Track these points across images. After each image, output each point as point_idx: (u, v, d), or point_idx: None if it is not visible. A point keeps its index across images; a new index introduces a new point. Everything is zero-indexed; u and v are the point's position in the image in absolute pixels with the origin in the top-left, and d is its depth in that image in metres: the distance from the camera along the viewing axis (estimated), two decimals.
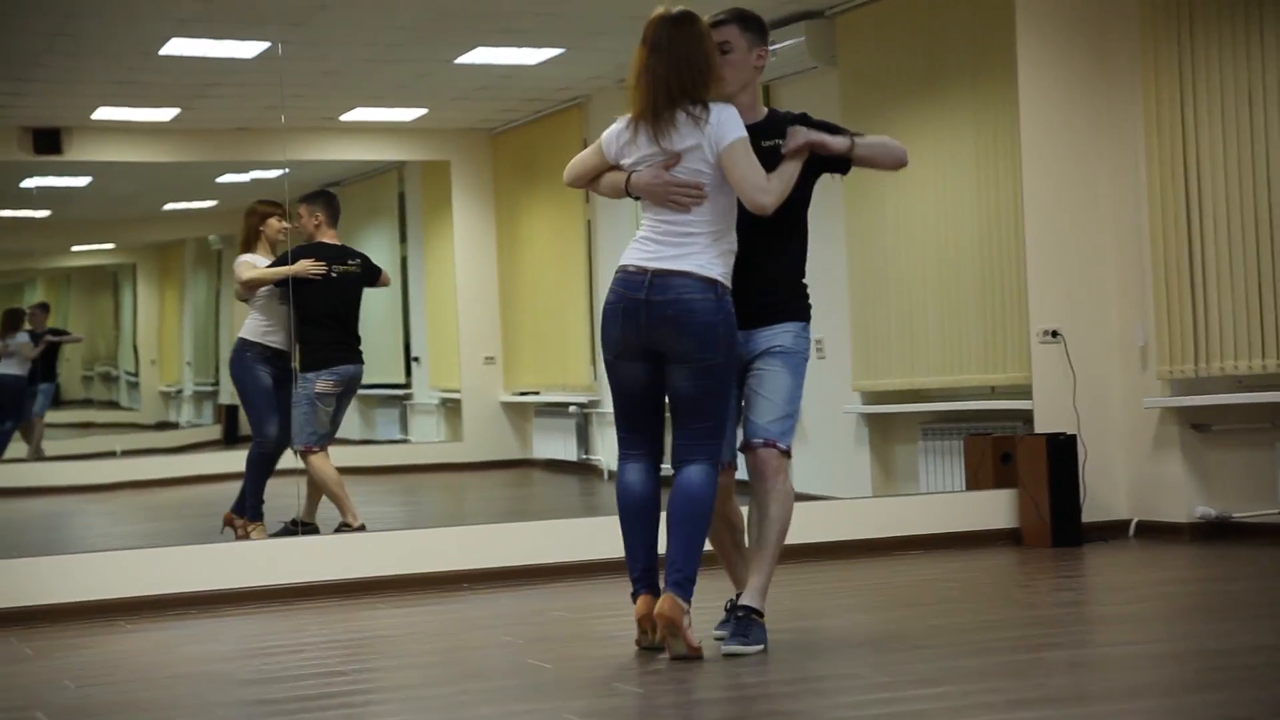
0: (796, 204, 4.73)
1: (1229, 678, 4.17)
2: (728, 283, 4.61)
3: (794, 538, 5.33)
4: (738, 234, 4.66)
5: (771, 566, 4.72)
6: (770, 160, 4.64)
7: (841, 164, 4.79)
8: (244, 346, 7.34)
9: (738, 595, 4.80)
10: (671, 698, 4.16)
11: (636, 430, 4.73)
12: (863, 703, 4.03)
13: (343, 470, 7.35)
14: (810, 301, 4.86)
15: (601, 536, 6.95)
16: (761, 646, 4.66)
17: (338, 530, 7.12)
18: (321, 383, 7.29)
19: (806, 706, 4.02)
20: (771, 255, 4.74)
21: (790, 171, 4.65)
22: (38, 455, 9.73)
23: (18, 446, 9.62)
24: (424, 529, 7.09)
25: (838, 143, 4.70)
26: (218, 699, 4.39)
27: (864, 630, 5.06)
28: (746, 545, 4.82)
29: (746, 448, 4.71)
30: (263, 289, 7.31)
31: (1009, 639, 4.85)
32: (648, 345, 4.60)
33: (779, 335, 4.74)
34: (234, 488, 7.39)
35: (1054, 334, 7.66)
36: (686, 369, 4.59)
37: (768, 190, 4.56)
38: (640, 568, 4.67)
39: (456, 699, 4.25)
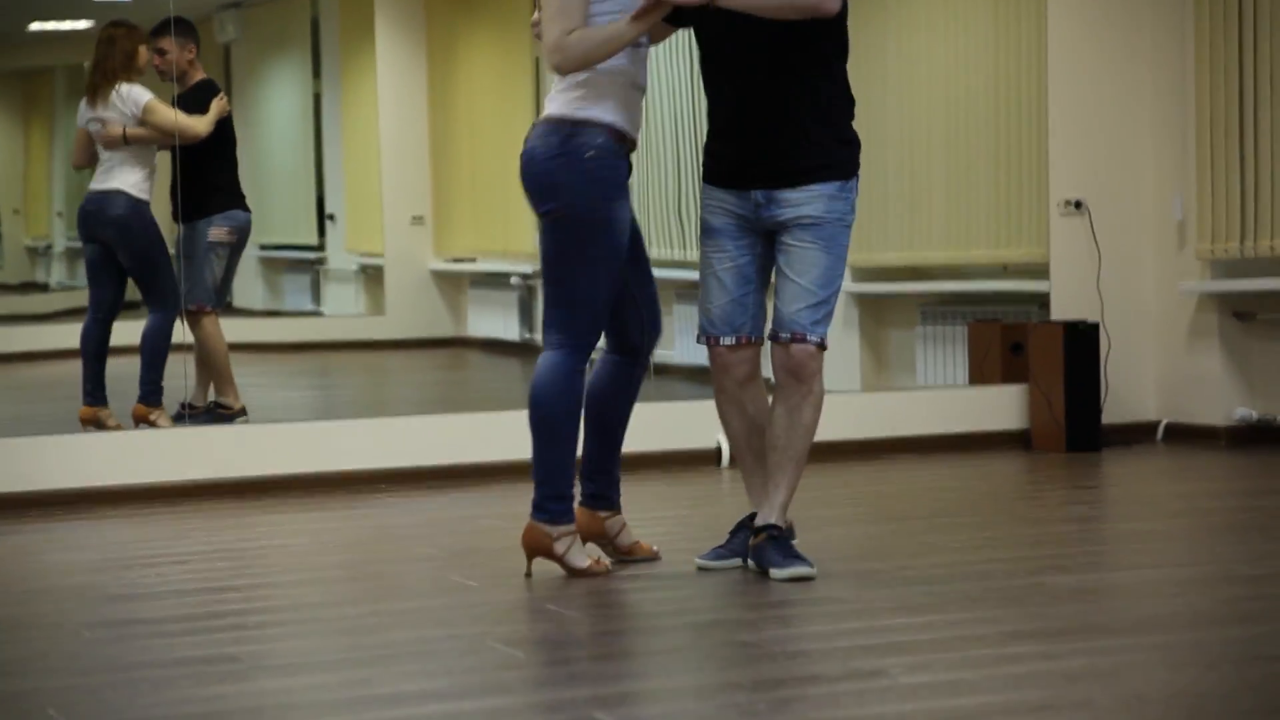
0: (808, 36, 4.61)
1: (1261, 608, 4.24)
2: (603, 118, 4.55)
3: None
4: (732, 72, 4.64)
5: (795, 480, 4.70)
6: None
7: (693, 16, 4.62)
8: (136, 204, 7.33)
9: (753, 514, 4.79)
10: (611, 623, 4.21)
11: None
12: (832, 634, 4.08)
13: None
14: (854, 150, 4.71)
15: None
16: (810, 568, 4.61)
17: (211, 411, 7.16)
18: (215, 230, 7.39)
19: (766, 637, 4.07)
20: (785, 98, 4.60)
21: (616, 31, 4.50)
22: None
23: None
24: (336, 420, 7.11)
25: None
26: (84, 618, 4.42)
27: (843, 547, 5.11)
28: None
29: (774, 339, 4.68)
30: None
31: (1009, 560, 4.92)
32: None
33: (806, 201, 4.63)
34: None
35: (1077, 205, 7.67)
36: (542, 227, 4.64)
37: (558, 48, 4.49)
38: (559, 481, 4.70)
39: (365, 621, 4.29)
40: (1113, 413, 7.56)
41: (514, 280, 10.29)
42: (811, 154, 4.64)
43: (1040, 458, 7.23)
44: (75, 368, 9.14)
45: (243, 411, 7.19)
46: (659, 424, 7.09)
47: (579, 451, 4.70)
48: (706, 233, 4.76)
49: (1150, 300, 7.73)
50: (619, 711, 3.31)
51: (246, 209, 7.58)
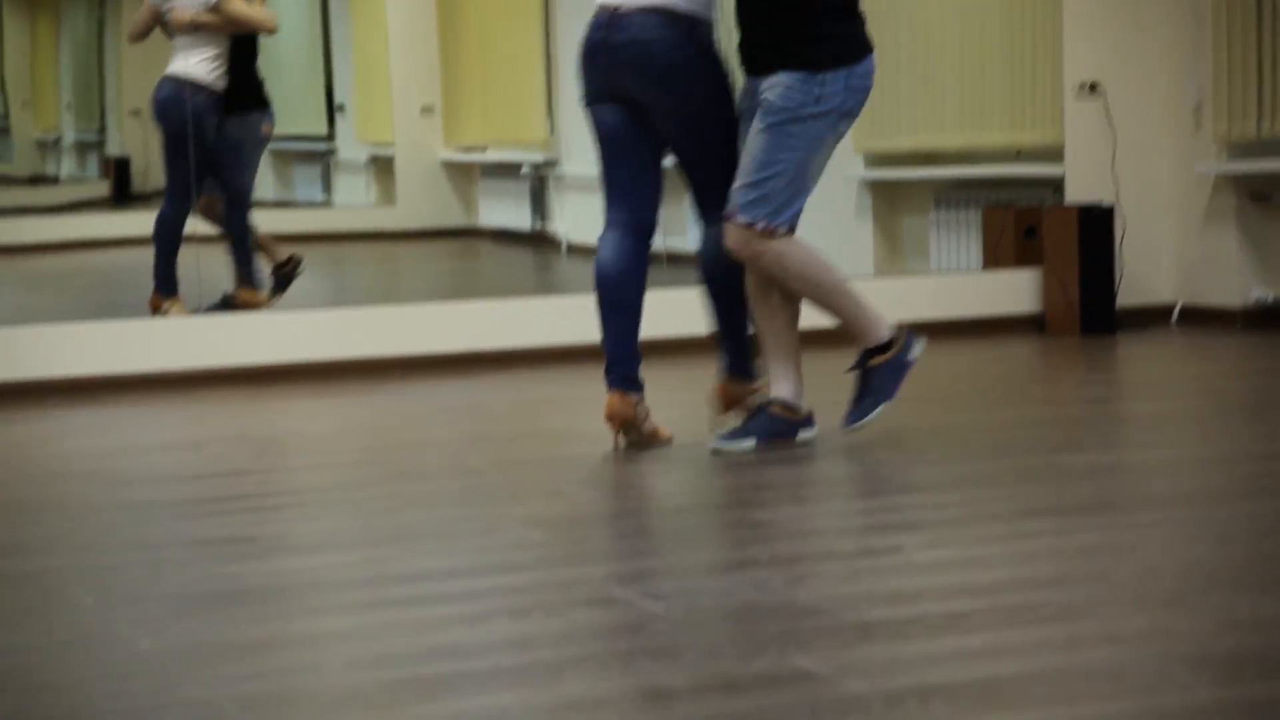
0: None
1: (1274, 484, 4.26)
2: (709, 13, 4.76)
3: None
4: None
5: (848, 310, 4.79)
6: None
7: None
8: (208, 92, 7.41)
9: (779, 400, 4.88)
10: (627, 504, 4.24)
11: (614, 192, 4.85)
12: (847, 512, 4.12)
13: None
14: (834, 42, 4.70)
15: (557, 318, 7.01)
16: (750, 443, 4.77)
17: (277, 274, 7.41)
18: (265, 125, 7.64)
19: (781, 516, 4.10)
20: None
21: None
22: None
23: None
24: (349, 307, 7.13)
25: None
26: (104, 500, 4.46)
27: (859, 429, 5.13)
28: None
29: None
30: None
31: (1024, 440, 4.94)
32: (617, 91, 4.77)
33: (769, 88, 4.73)
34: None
35: (1092, 87, 7.64)
36: (670, 122, 4.79)
37: None
38: (610, 358, 4.81)
39: (382, 503, 4.33)
40: (1127, 296, 7.56)
41: (525, 170, 10.27)
42: (781, 44, 4.71)
43: (1055, 341, 7.24)
44: (87, 259, 9.17)
45: (297, 263, 7.46)
46: (673, 310, 7.11)
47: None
48: (739, 117, 4.89)
49: (1166, 182, 7.71)
50: (635, 588, 3.35)
51: None
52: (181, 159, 7.47)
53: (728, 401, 5.04)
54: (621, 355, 4.83)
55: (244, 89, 7.57)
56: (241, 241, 7.47)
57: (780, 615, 3.16)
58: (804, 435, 4.86)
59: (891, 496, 4.27)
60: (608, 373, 4.83)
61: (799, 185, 4.70)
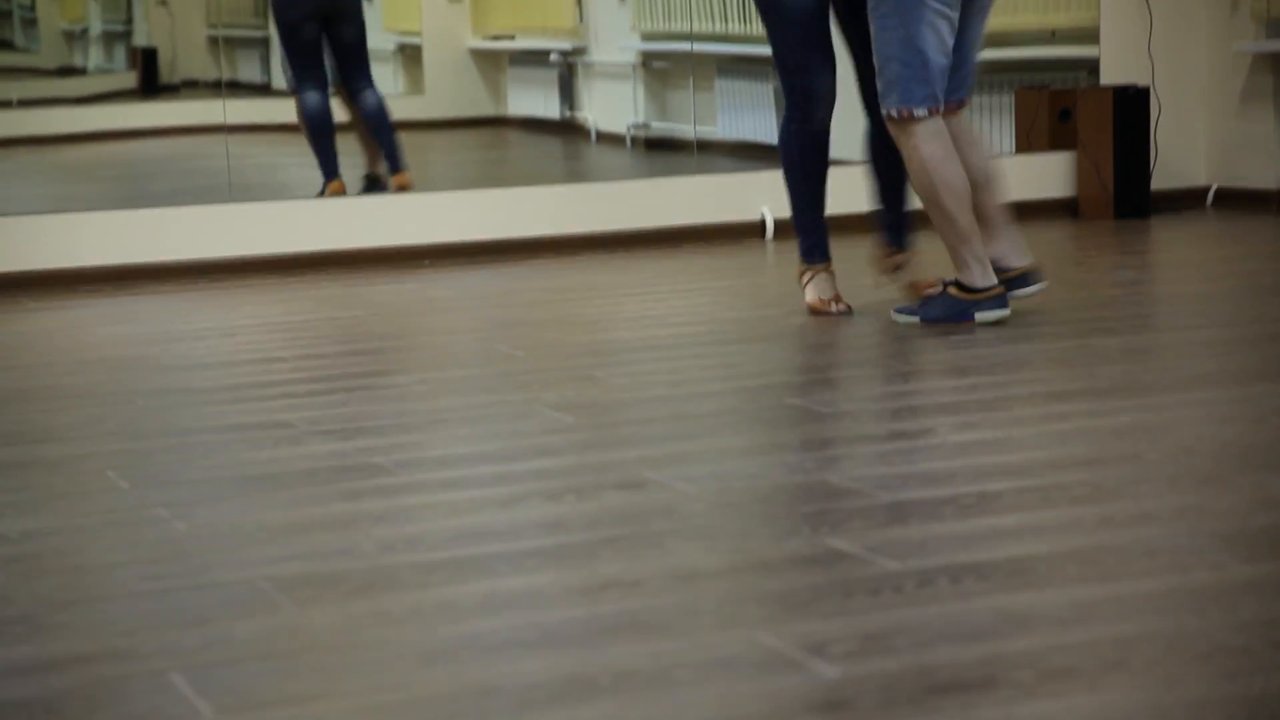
0: None
1: None
2: None
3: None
4: None
5: (948, 237, 4.83)
6: None
7: None
8: None
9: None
10: (658, 389, 4.25)
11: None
12: (879, 396, 4.12)
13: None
14: None
15: (586, 207, 6.99)
16: (913, 319, 4.90)
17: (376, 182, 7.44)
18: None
19: (813, 400, 4.10)
20: None
21: None
22: None
23: None
24: (378, 195, 7.12)
25: None
26: (138, 387, 4.48)
27: (889, 312, 5.12)
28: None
29: None
30: None
31: (1056, 323, 4.92)
32: None
33: None
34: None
35: None
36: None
37: None
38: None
39: (414, 389, 4.34)
40: (1162, 179, 7.50)
41: (553, 57, 10.21)
42: None
43: (1088, 225, 7.20)
44: (116, 149, 9.17)
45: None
46: (705, 197, 7.09)
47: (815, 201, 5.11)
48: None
49: (1202, 63, 7.62)
50: (667, 471, 3.36)
51: None
52: (360, 47, 7.52)
53: (885, 268, 5.20)
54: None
55: None
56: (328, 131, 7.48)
57: (812, 497, 3.17)
58: (984, 315, 4.85)
59: (924, 380, 4.27)
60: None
61: (916, 63, 4.72)
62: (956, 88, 4.89)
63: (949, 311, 4.85)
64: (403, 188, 7.32)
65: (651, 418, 3.96)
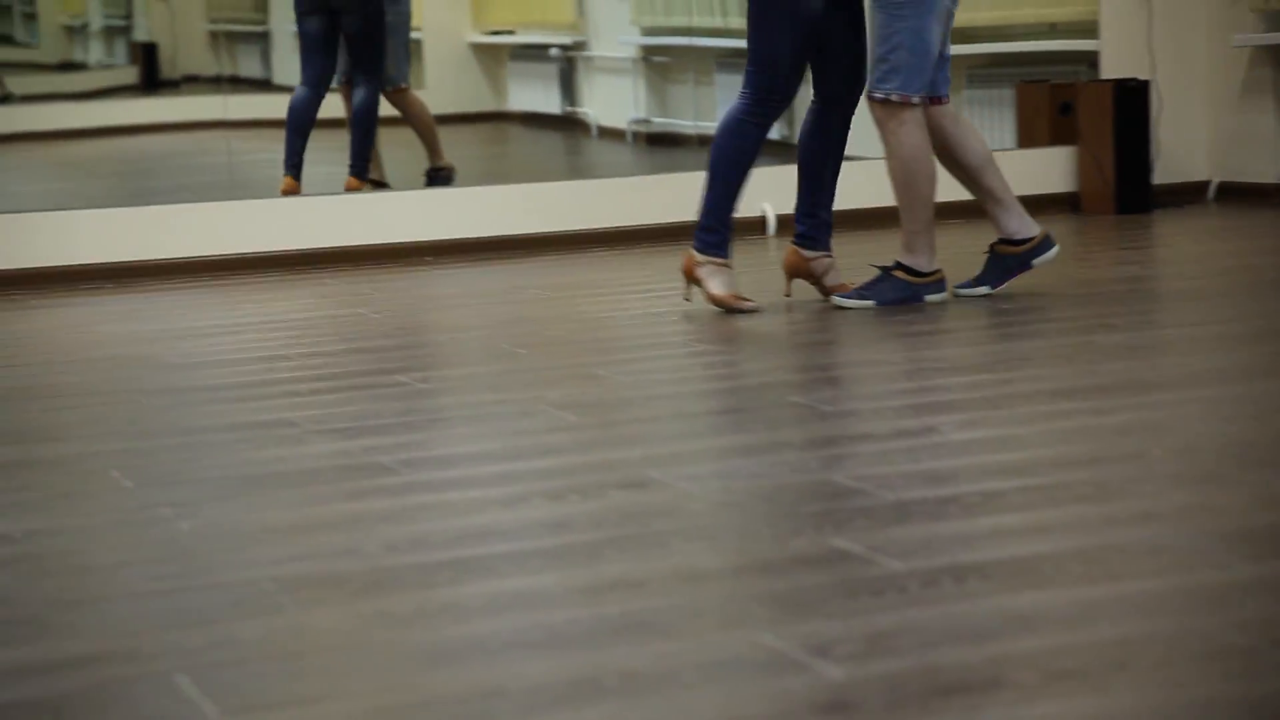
0: None
1: None
2: None
3: None
4: None
5: (908, 221, 5.05)
6: None
7: None
8: None
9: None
10: (661, 387, 4.25)
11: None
12: (882, 394, 4.12)
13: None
14: None
15: (588, 203, 6.98)
16: (869, 303, 5.03)
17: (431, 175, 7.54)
18: (408, 10, 7.73)
19: (816, 398, 4.11)
20: None
21: None
22: None
23: None
24: (379, 192, 7.12)
25: None
26: (142, 385, 4.48)
27: (892, 308, 5.12)
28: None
29: None
30: None
31: (1058, 320, 4.93)
32: None
33: None
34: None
35: None
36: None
37: None
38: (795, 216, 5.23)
39: (415, 387, 4.34)
40: (1164, 173, 7.50)
41: (554, 52, 10.20)
42: None
43: (1090, 220, 7.20)
44: (117, 145, 9.16)
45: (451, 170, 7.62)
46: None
47: (738, 197, 5.11)
48: None
49: (1202, 56, 7.62)
50: (671, 470, 3.36)
51: None
52: (378, 42, 7.54)
53: (800, 270, 5.20)
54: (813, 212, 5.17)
55: None
56: (368, 127, 7.49)
57: (816, 496, 3.17)
58: (932, 297, 5.09)
59: (926, 378, 4.27)
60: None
61: (922, 53, 4.90)
62: (941, 84, 5.08)
63: (902, 294, 5.04)
64: (351, 190, 7.30)
65: (655, 416, 3.96)
